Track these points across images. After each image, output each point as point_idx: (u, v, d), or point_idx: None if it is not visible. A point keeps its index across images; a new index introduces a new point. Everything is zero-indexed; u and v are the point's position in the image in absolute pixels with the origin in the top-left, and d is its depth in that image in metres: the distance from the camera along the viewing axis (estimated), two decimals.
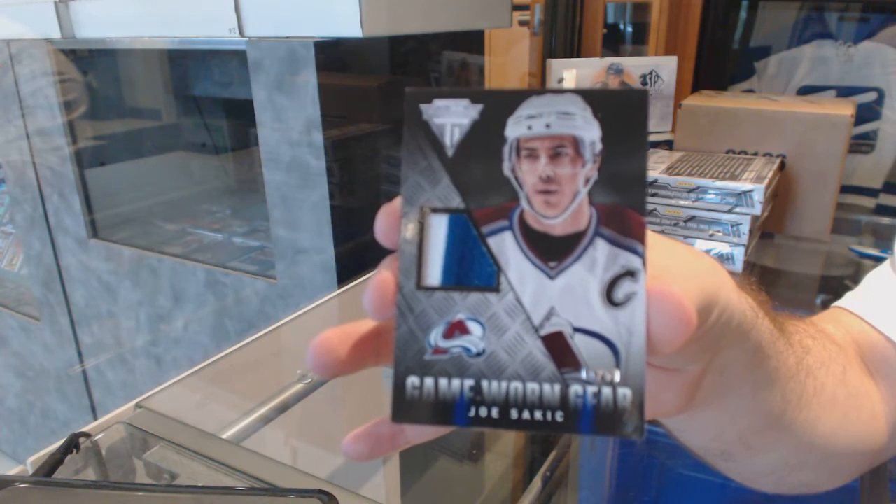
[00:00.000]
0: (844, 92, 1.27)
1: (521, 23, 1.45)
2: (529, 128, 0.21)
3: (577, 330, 0.20)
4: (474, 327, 0.20)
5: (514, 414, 0.20)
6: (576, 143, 0.21)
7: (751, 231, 0.85)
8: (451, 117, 0.21)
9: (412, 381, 0.20)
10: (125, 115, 1.79)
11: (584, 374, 0.20)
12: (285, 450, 0.81)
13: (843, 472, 0.40)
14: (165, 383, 0.67)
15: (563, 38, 1.40)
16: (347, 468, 0.74)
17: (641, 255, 0.20)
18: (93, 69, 1.59)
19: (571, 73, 1.19)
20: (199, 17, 1.02)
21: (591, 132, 0.20)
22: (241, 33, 0.97)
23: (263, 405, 0.73)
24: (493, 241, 0.21)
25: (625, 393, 0.19)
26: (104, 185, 1.60)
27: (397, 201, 0.21)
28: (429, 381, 0.20)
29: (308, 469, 0.53)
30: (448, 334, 0.20)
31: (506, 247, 0.21)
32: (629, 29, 1.59)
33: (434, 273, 0.21)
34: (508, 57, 1.47)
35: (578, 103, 0.21)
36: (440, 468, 1.01)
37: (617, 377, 0.19)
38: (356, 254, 1.15)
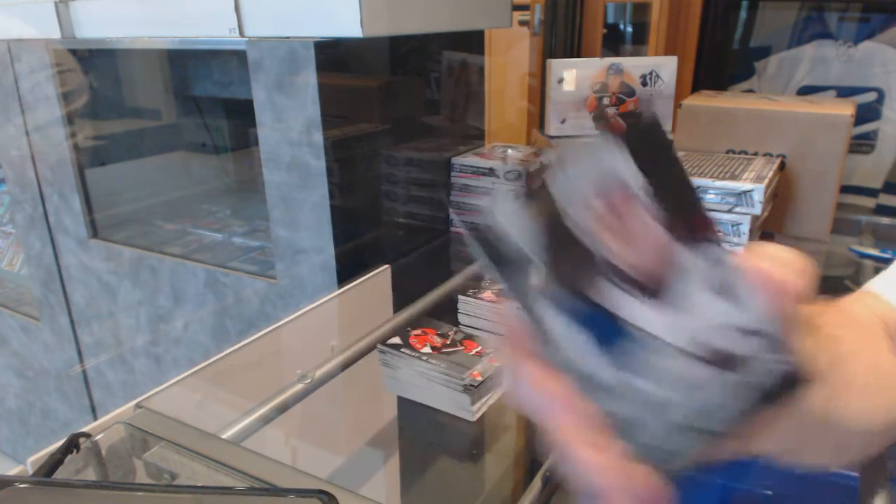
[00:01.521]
0: (844, 92, 1.27)
1: (521, 23, 1.45)
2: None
3: (716, 333, 0.21)
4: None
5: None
6: (628, 191, 0.22)
7: (751, 231, 0.84)
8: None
9: None
10: (125, 115, 1.79)
11: (750, 365, 0.21)
12: (285, 450, 0.80)
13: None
14: (165, 383, 0.67)
15: (563, 38, 1.40)
16: (347, 468, 0.74)
17: (719, 244, 0.21)
18: (93, 69, 1.59)
19: (571, 73, 1.19)
20: (199, 17, 1.02)
21: (633, 177, 0.21)
22: (241, 33, 0.97)
23: (263, 405, 0.73)
24: (609, 307, 0.22)
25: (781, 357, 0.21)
26: (104, 185, 1.60)
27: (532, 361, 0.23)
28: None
29: (308, 469, 0.53)
30: None
31: (620, 304, 0.22)
32: (629, 29, 1.59)
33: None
34: (508, 57, 1.47)
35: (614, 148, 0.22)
36: (440, 468, 1.00)
37: (770, 351, 0.21)
38: (356, 254, 1.15)
